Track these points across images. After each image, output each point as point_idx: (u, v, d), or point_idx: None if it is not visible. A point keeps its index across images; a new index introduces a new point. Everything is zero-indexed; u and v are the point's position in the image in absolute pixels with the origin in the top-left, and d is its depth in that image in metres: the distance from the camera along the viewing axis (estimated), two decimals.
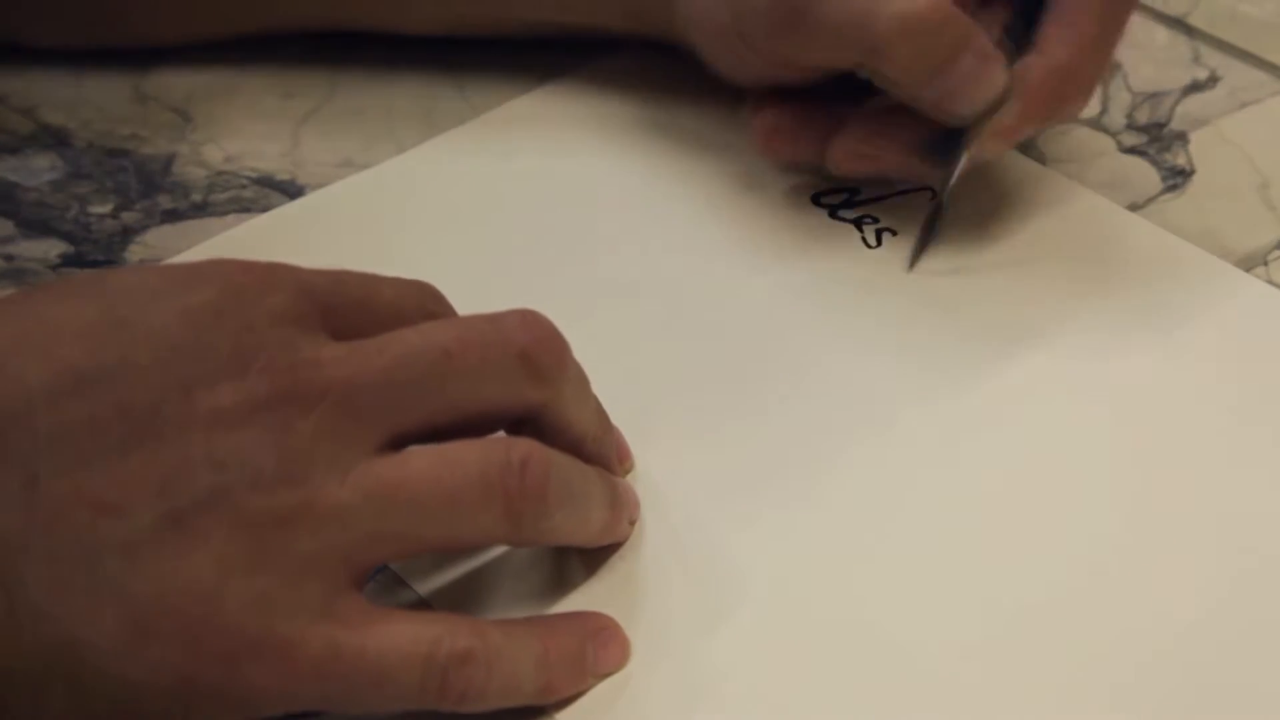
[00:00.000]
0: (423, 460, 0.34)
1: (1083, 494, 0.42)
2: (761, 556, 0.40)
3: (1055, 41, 0.46)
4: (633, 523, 0.40)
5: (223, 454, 0.32)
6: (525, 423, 0.37)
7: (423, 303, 0.38)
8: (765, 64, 0.48)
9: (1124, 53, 0.58)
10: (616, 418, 0.41)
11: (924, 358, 0.46)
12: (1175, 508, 0.42)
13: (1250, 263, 0.50)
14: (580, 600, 0.39)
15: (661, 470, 0.42)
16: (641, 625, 0.38)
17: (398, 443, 0.35)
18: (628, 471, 0.42)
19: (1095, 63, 0.47)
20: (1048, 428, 0.44)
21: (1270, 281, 0.49)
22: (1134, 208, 0.52)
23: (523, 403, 0.36)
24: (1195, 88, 0.57)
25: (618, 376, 0.41)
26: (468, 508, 0.34)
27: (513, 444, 0.35)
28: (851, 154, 0.48)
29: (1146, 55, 0.59)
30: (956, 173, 0.47)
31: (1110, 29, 0.47)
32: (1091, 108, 0.56)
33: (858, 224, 0.50)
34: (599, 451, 0.39)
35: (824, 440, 0.43)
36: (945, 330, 0.46)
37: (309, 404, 0.33)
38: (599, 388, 0.39)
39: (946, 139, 0.47)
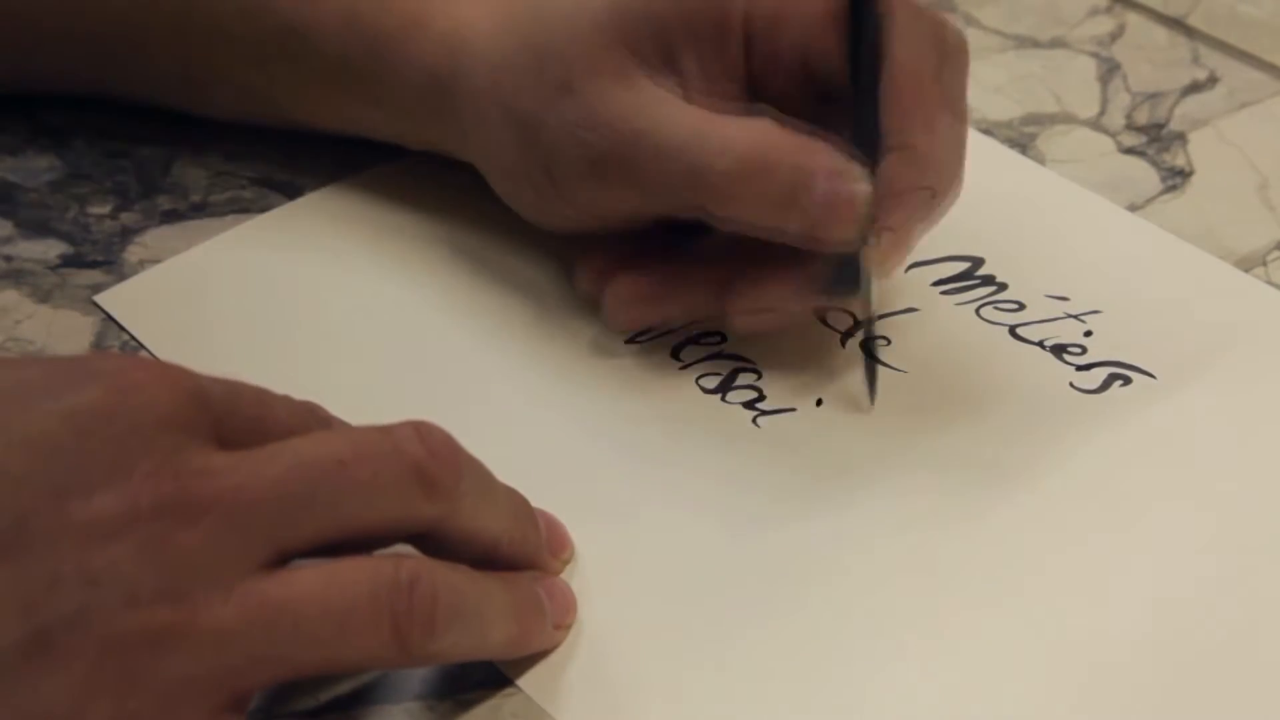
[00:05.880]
0: (310, 579, 0.33)
1: (1084, 506, 0.42)
2: (733, 655, 0.38)
3: (901, 131, 0.42)
4: (563, 627, 0.38)
5: (96, 569, 0.31)
6: (426, 537, 0.36)
7: (311, 426, 0.36)
8: (580, 214, 0.45)
9: (1123, 53, 0.59)
10: (574, 494, 0.40)
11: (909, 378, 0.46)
12: (1174, 510, 0.42)
13: (1250, 263, 0.50)
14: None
15: (604, 556, 0.40)
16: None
17: (285, 558, 0.33)
18: (566, 562, 0.40)
19: (954, 139, 0.43)
20: (1047, 426, 0.44)
21: (1270, 281, 0.49)
22: (1133, 208, 0.52)
23: (418, 519, 0.35)
24: (1194, 88, 0.57)
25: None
26: (355, 631, 0.33)
27: (401, 562, 0.34)
28: (750, 313, 0.44)
29: (1146, 56, 0.59)
30: (874, 300, 0.43)
31: (956, 97, 0.43)
32: (1091, 108, 0.56)
33: None
34: (519, 552, 0.38)
35: (796, 516, 0.41)
36: (946, 341, 0.46)
37: (194, 515, 0.32)
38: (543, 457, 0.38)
39: (843, 267, 0.42)
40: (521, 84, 0.44)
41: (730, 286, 0.44)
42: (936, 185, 0.42)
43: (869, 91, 0.42)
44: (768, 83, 0.43)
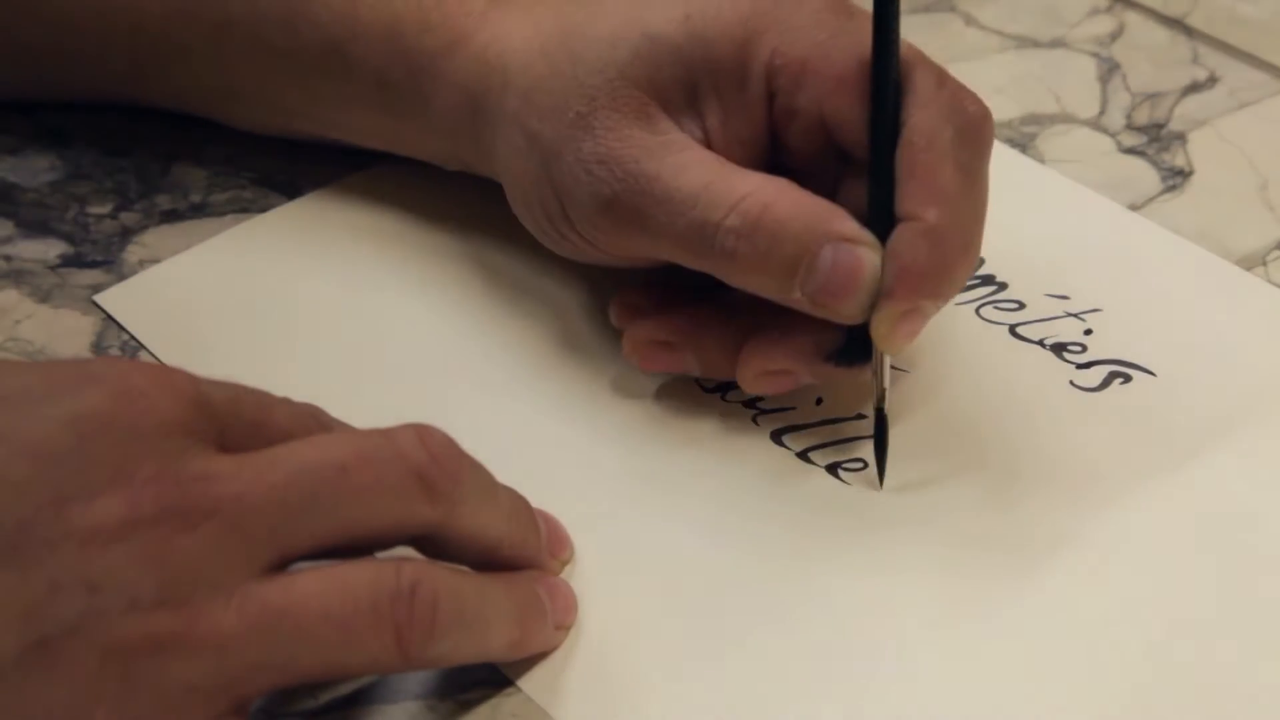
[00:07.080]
0: (311, 585, 0.33)
1: (1084, 503, 0.42)
2: (725, 658, 0.38)
3: (917, 203, 0.40)
4: (564, 627, 0.38)
5: (97, 574, 0.31)
6: (426, 539, 0.36)
7: (313, 431, 0.36)
8: (594, 252, 0.43)
9: (1123, 53, 0.59)
10: (568, 498, 0.40)
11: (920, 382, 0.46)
12: (1174, 507, 0.42)
13: (1250, 263, 0.50)
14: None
15: (604, 557, 0.40)
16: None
17: (286, 562, 0.33)
18: (566, 563, 0.40)
19: (969, 213, 0.41)
20: (1047, 424, 0.44)
21: (1270, 281, 0.49)
22: (1133, 208, 0.52)
23: (419, 522, 0.35)
24: (1194, 88, 0.57)
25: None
26: (357, 636, 0.33)
27: (402, 567, 0.34)
28: (762, 375, 0.42)
29: (1146, 55, 0.59)
30: (885, 377, 0.42)
31: (973, 170, 0.41)
32: (1091, 108, 0.56)
33: None
34: (520, 554, 0.38)
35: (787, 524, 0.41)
36: (946, 341, 0.46)
37: (195, 520, 0.32)
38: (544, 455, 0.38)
39: (853, 339, 0.41)
40: (545, 113, 0.43)
41: (745, 345, 0.43)
42: (947, 260, 0.40)
43: (885, 159, 0.40)
44: (788, 141, 0.43)
